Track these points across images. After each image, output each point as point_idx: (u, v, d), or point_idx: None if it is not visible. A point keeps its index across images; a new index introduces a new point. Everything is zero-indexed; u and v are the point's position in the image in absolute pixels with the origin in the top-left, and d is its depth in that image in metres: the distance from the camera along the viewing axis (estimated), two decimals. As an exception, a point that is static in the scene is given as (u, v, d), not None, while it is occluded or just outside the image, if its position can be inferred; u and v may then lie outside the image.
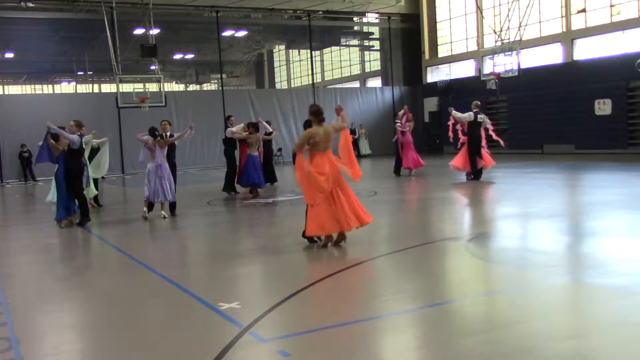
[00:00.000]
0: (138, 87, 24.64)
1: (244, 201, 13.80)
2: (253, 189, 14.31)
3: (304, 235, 7.92)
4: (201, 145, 26.73)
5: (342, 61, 39.73)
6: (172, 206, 11.67)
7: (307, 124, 7.98)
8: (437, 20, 31.65)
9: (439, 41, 31.76)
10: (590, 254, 6.86)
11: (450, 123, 16.18)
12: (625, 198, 11.38)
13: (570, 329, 4.72)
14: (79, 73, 39.53)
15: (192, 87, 46.94)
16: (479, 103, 15.84)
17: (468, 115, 15.28)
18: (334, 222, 7.56)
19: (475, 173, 15.30)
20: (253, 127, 14.52)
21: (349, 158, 7.86)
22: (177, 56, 39.23)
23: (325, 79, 41.48)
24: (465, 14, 29.82)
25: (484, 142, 15.56)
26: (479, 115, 15.39)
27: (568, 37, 24.77)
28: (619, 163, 18.44)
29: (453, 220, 10.35)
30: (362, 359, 4.20)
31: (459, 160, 15.71)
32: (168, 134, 11.96)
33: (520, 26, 22.99)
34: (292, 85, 43.65)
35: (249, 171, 14.21)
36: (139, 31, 26.58)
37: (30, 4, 24.94)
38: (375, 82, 35.44)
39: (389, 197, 13.89)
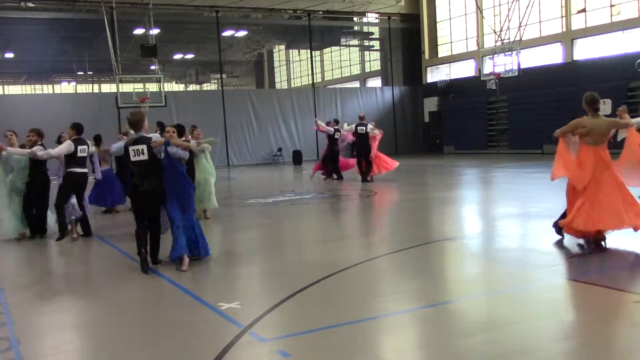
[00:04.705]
0: (138, 87, 24.61)
1: (244, 201, 13.81)
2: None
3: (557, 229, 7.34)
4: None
5: (342, 61, 39.72)
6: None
7: None
8: (437, 20, 31.64)
9: (439, 41, 31.75)
10: (590, 253, 6.85)
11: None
12: (625, 198, 11.34)
13: (570, 329, 4.72)
14: (79, 73, 39.52)
15: (192, 87, 46.91)
16: (363, 115, 17.11)
17: (350, 128, 16.40)
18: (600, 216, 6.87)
19: (363, 175, 16.25)
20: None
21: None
22: (177, 56, 39.22)
23: (325, 79, 41.47)
24: (465, 14, 29.80)
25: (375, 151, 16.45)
26: (359, 127, 16.26)
27: (568, 37, 24.76)
28: (619, 163, 18.38)
29: (453, 220, 10.35)
30: (362, 359, 4.20)
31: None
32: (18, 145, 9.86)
33: (520, 26, 22.99)
34: (292, 85, 43.64)
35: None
36: (139, 31, 26.57)
37: (30, 4, 24.95)
38: (375, 82, 35.43)
39: (388, 197, 13.90)
